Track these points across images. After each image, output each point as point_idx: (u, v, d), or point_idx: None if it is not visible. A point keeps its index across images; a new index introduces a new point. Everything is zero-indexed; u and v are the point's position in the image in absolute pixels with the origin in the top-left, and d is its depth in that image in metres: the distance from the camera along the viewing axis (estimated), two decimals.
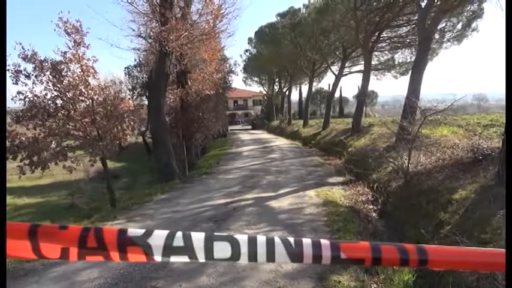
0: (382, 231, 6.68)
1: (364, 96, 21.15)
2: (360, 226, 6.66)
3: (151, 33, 12.94)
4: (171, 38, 11.94)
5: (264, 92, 54.61)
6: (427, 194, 6.55)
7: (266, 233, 6.25)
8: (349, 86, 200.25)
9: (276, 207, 8.10)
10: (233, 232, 6.22)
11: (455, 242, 4.10)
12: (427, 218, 5.82)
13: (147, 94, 23.09)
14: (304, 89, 58.61)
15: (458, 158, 7.32)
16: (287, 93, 43.45)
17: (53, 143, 9.16)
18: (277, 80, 46.14)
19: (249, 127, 53.49)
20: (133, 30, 13.10)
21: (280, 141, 27.44)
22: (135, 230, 0.96)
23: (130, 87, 33.09)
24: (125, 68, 33.18)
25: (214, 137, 25.29)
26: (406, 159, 8.17)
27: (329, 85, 54.61)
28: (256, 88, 57.01)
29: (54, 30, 9.33)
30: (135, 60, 29.28)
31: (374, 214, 7.85)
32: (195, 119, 16.73)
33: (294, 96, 49.63)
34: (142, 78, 31.02)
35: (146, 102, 20.37)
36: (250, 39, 40.11)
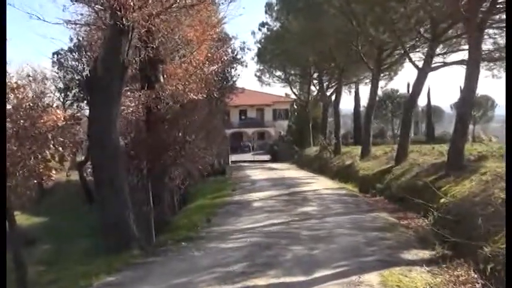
0: None
1: (470, 105, 21.06)
2: None
3: None
4: (132, 3, 12.29)
5: (294, 97, 55.05)
6: None
7: None
8: (444, 88, 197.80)
9: None
10: None
11: None
12: None
13: (88, 99, 23.59)
14: (364, 91, 59.00)
15: None
16: (333, 98, 43.61)
17: None
18: (316, 76, 46.57)
19: (267, 157, 53.63)
20: None
21: (320, 184, 27.39)
22: None
23: (62, 87, 33.95)
24: (54, 55, 34.17)
25: (205, 175, 25.37)
26: None
27: (408, 86, 54.56)
28: (279, 90, 58.07)
29: None
30: (71, 40, 30.03)
31: None
32: (170, 144, 16.89)
33: (346, 104, 49.87)
34: (82, 71, 31.78)
35: (87, 113, 20.78)
36: (269, 6, 41.17)
